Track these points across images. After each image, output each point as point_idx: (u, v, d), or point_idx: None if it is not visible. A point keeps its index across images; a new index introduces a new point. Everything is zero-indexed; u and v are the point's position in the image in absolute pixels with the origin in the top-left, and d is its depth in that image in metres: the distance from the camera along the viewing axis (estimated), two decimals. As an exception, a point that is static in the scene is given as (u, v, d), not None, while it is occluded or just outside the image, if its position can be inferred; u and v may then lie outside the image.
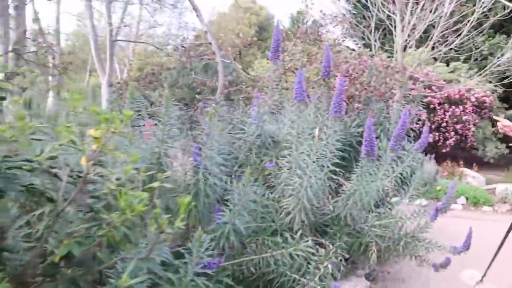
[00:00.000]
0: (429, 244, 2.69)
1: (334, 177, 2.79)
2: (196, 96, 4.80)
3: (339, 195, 2.79)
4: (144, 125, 3.17)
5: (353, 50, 11.60)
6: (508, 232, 3.28)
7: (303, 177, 2.57)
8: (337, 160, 2.78)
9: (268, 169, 2.95)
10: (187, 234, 2.50)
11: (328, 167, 2.71)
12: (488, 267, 3.44)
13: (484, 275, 3.47)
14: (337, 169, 2.81)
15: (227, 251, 2.51)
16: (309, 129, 3.15)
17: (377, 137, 3.95)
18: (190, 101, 5.47)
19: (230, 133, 3.51)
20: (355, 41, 10.63)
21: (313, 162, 2.48)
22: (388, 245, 2.90)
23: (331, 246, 2.71)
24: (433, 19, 7.82)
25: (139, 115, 2.96)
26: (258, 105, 3.18)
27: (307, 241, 2.60)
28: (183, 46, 4.94)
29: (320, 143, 2.52)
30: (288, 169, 2.72)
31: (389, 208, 3.20)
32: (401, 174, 3.42)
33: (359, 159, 4.04)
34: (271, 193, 2.95)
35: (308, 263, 2.50)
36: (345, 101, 4.24)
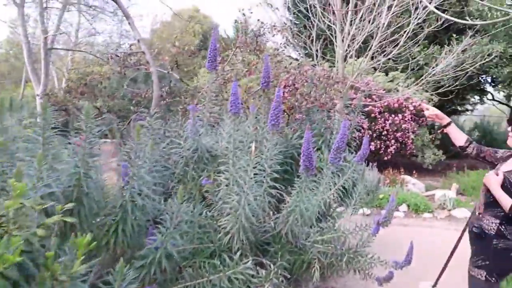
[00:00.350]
0: (371, 259, 2.64)
1: (275, 192, 2.68)
2: (131, 108, 4.56)
3: (280, 211, 2.68)
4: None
5: (296, 60, 11.74)
6: (458, 240, 3.31)
7: (240, 194, 2.43)
8: (277, 175, 2.69)
9: (205, 186, 2.79)
10: (114, 263, 2.29)
11: (267, 182, 2.60)
12: (439, 277, 3.46)
13: (435, 284, 3.49)
14: (278, 184, 2.71)
15: (159, 277, 2.32)
16: (247, 143, 3.03)
17: (318, 149, 3.92)
18: (127, 114, 5.20)
19: (164, 148, 3.32)
20: (297, 51, 10.74)
21: (251, 178, 2.36)
22: (331, 261, 2.82)
23: (272, 266, 2.59)
24: (371, 30, 8.03)
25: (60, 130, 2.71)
26: (193, 117, 3.02)
27: (247, 262, 2.47)
28: (117, 55, 4.69)
29: (257, 158, 2.40)
30: (225, 186, 2.58)
31: (331, 222, 3.14)
32: (343, 186, 3.39)
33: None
34: (209, 211, 2.80)
35: (248, 286, 2.36)
36: (286, 111, 4.18)
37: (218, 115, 3.63)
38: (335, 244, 2.97)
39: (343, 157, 3.77)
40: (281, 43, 4.42)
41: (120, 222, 2.21)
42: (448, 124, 2.96)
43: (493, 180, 2.49)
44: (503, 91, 14.90)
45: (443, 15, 2.75)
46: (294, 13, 13.28)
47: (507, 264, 2.50)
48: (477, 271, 2.57)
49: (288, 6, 11.50)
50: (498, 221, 2.48)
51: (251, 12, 4.41)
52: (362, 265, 2.74)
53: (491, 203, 2.54)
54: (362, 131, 10.72)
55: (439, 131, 11.77)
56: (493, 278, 2.49)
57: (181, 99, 4.84)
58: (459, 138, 2.93)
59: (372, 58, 8.87)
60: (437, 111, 2.98)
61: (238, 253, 2.48)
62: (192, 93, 4.65)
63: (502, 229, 2.46)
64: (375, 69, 12.35)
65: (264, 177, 2.60)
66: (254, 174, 2.47)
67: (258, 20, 4.24)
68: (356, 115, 4.32)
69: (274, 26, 4.23)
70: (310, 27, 9.88)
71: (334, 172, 2.74)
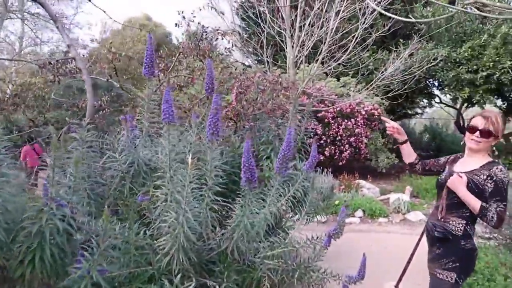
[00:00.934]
0: (324, 274, 2.49)
1: (218, 207, 2.48)
2: (67, 119, 4.24)
3: (224, 227, 2.49)
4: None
5: (249, 66, 11.65)
6: (417, 244, 3.27)
7: (178, 211, 2.22)
8: (221, 188, 2.50)
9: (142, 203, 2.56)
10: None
11: (209, 196, 2.41)
12: (401, 277, 3.37)
13: (397, 285, 3.39)
14: (223, 198, 2.53)
15: (88, 310, 2.06)
16: (186, 154, 2.82)
17: (268, 157, 3.76)
18: (64, 125, 4.85)
19: (99, 163, 3.06)
20: (248, 57, 10.64)
21: (188, 193, 2.15)
22: (282, 277, 2.65)
23: (218, 287, 2.39)
24: (320, 35, 8.05)
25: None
26: (127, 128, 2.79)
27: (189, 285, 2.26)
28: (50, 63, 4.36)
29: (198, 170, 2.21)
30: (163, 202, 2.36)
31: (283, 236, 2.98)
32: (294, 195, 3.26)
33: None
34: (148, 230, 2.56)
35: (190, 312, 2.15)
36: (233, 119, 4.01)
37: (159, 125, 3.41)
38: (286, 259, 2.81)
39: (292, 165, 3.65)
40: (226, 48, 4.26)
41: (37, 250, 1.95)
42: (405, 141, 2.98)
43: (458, 182, 2.46)
44: (449, 94, 15.45)
45: (391, 15, 2.68)
46: (243, 19, 13.22)
47: (473, 264, 2.53)
48: (446, 274, 2.51)
49: (237, 11, 11.40)
50: (464, 221, 2.48)
51: (194, 16, 4.22)
52: (315, 281, 2.59)
53: (455, 205, 2.52)
54: (317, 136, 10.77)
55: (394, 146, 12.03)
56: (461, 280, 2.47)
57: (123, 108, 4.57)
58: (411, 155, 2.98)
59: (322, 63, 8.91)
60: (398, 126, 2.97)
61: (179, 276, 2.26)
62: (133, 102, 4.38)
63: (468, 229, 2.47)
64: (326, 74, 12.45)
65: (205, 191, 2.41)
66: (194, 188, 2.28)
67: (199, 23, 4.06)
68: (308, 121, 4.21)
69: (217, 30, 4.06)
70: (259, 33, 9.82)
71: (281, 182, 2.58)
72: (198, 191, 2.37)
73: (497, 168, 2.39)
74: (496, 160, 2.53)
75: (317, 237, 2.79)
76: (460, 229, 2.49)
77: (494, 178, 2.38)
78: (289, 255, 2.86)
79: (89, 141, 3.04)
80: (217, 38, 4.07)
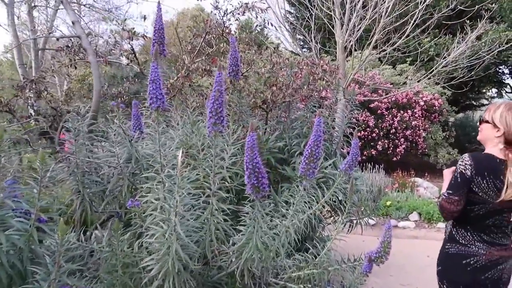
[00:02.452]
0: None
1: (226, 217, 1.98)
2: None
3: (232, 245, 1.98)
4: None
5: (297, 54, 11.03)
6: None
7: (169, 224, 1.74)
8: (227, 194, 2.00)
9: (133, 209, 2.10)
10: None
11: (213, 205, 1.90)
12: None
13: None
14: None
15: None
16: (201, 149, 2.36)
17: (301, 153, 3.20)
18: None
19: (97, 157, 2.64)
20: (295, 45, 10.02)
21: (179, 201, 1.66)
22: (309, 308, 2.12)
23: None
24: (373, 16, 7.30)
25: None
26: (119, 116, 2.35)
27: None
28: (67, 46, 4.03)
29: (189, 172, 1.71)
30: (153, 211, 1.88)
31: (315, 251, 2.42)
32: (331, 199, 2.71)
33: (281, 183, 3.29)
34: (139, 244, 2.10)
35: None
36: (262, 107, 3.48)
37: (170, 113, 2.95)
38: (316, 282, 2.27)
39: (330, 163, 3.07)
40: (257, 25, 3.70)
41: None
42: None
43: (446, 171, 2.42)
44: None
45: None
46: (292, 4, 12.60)
47: (459, 273, 2.23)
48: (436, 279, 2.38)
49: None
50: (451, 223, 2.33)
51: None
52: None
53: None
54: (369, 129, 10.02)
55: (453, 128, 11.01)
56: (445, 284, 2.29)
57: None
58: None
59: (375, 48, 8.14)
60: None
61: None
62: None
63: (454, 232, 2.28)
64: (381, 61, 11.61)
65: (208, 196, 1.91)
66: (195, 194, 1.80)
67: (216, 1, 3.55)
68: (358, 112, 3.60)
69: (246, 4, 3.53)
70: (308, 18, 9.20)
71: (310, 186, 2.03)
72: (201, 198, 1.88)
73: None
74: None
75: (355, 259, 2.22)
76: (447, 231, 2.36)
77: None
78: (320, 277, 2.32)
79: (83, 133, 2.63)
80: (244, 12, 3.54)
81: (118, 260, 2.01)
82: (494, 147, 2.20)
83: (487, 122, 2.25)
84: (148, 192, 1.95)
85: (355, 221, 3.50)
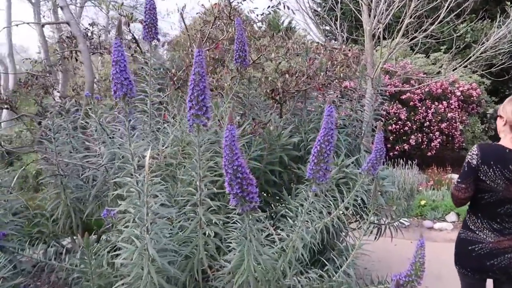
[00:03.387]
0: None
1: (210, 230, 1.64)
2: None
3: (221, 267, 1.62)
4: None
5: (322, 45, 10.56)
6: None
7: (141, 239, 1.40)
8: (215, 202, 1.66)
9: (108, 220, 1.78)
10: None
11: (200, 216, 1.56)
12: None
13: None
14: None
15: None
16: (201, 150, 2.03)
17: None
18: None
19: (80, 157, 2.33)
20: (320, 33, 9.57)
21: (147, 214, 1.32)
22: None
23: None
24: (403, 0, 6.78)
25: None
26: (95, 108, 2.04)
27: None
28: (68, 37, 3.76)
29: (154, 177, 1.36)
30: (126, 223, 1.55)
31: (334, 266, 2.04)
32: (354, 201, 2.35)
33: (296, 185, 2.91)
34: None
35: None
36: (274, 98, 3.11)
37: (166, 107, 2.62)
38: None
39: (352, 162, 2.68)
40: (270, 6, 3.31)
41: None
42: None
43: None
44: None
45: None
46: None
47: (467, 258, 2.33)
48: None
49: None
50: (467, 210, 2.42)
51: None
52: None
53: None
54: (400, 122, 9.46)
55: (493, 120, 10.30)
56: (457, 267, 2.39)
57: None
58: None
59: (406, 34, 7.60)
60: None
61: None
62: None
63: (467, 218, 2.38)
64: (412, 50, 11.00)
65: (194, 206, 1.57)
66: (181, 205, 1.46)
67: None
68: (392, 104, 3.18)
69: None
70: (333, 4, 8.74)
71: (318, 194, 1.66)
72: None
73: None
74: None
75: (380, 281, 1.84)
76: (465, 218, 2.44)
77: None
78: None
79: (67, 130, 2.33)
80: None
81: (91, 282, 1.69)
82: (505, 138, 2.29)
83: (498, 115, 2.37)
84: (125, 199, 1.62)
85: (384, 225, 3.11)
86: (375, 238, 3.07)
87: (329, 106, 1.51)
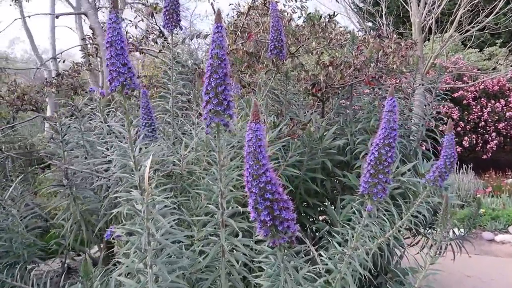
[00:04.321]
0: None
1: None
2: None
3: None
4: None
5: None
6: None
7: (143, 273, 1.09)
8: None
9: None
10: None
11: (222, 242, 1.23)
12: None
13: None
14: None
15: None
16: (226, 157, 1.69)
17: (367, 154, 2.44)
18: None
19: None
20: (363, 27, 9.10)
21: (148, 243, 1.01)
22: None
23: None
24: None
25: None
26: (146, 109, 1.79)
27: None
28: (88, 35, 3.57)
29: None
30: (128, 250, 1.24)
31: None
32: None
33: (342, 195, 2.54)
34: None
35: None
36: (315, 95, 2.74)
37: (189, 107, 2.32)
38: None
39: (408, 169, 2.28)
40: (330, 16, 2.95)
41: None
42: None
43: None
44: None
45: None
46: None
47: None
48: None
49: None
50: None
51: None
52: None
53: None
54: (451, 122, 8.77)
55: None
56: None
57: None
58: None
59: (459, 26, 7.03)
60: None
61: None
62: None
63: None
64: (464, 45, 10.33)
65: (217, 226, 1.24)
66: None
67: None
68: (442, 102, 2.80)
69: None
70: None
71: (375, 213, 1.31)
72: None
73: None
74: None
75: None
76: None
77: None
78: None
79: (79, 132, 2.07)
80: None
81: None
82: None
83: None
84: (129, 219, 1.32)
85: (444, 245, 2.69)
86: (441, 253, 2.65)
87: (391, 99, 1.15)
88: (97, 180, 1.93)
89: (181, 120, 2.26)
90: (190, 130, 2.21)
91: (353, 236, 1.29)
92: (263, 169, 0.77)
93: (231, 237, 1.25)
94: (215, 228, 1.29)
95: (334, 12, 2.49)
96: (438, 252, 2.25)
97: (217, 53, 1.05)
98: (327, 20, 2.57)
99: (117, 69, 1.07)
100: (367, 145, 2.37)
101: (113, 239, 1.41)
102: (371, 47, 2.42)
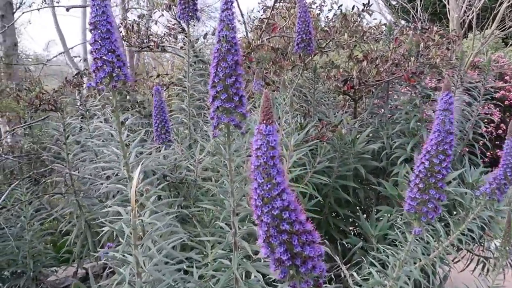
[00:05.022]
0: None
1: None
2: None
3: None
4: None
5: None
6: None
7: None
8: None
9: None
10: None
11: (234, 268, 1.02)
12: None
13: None
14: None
15: None
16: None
17: (406, 160, 2.18)
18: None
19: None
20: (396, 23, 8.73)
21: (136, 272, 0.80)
22: None
23: None
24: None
25: None
26: (159, 108, 1.63)
27: None
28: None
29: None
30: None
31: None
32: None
33: (377, 205, 2.29)
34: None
35: None
36: (347, 93, 2.50)
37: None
38: None
39: (453, 178, 2.01)
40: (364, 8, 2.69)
41: None
42: None
43: None
44: None
45: None
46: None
47: None
48: None
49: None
50: None
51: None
52: None
53: None
54: (492, 126, 8.36)
55: None
56: None
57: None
58: None
59: (501, 22, 6.61)
60: None
61: None
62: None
63: None
64: (505, 43, 9.82)
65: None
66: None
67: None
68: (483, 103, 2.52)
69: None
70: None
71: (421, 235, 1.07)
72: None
73: None
74: None
75: None
76: None
77: None
78: None
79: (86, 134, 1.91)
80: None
81: None
82: None
83: None
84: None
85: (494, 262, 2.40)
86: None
87: (447, 94, 0.91)
88: (101, 187, 1.75)
89: (197, 120, 2.06)
90: (207, 131, 2.01)
91: (395, 264, 1.05)
92: (277, 189, 0.55)
93: (246, 262, 1.04)
94: (227, 249, 1.08)
95: (369, 1, 2.24)
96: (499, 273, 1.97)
97: (225, 35, 0.84)
98: (360, 10, 2.32)
99: (103, 57, 0.87)
100: (406, 150, 2.12)
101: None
102: (411, 39, 2.16)
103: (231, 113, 0.88)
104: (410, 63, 2.05)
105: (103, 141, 1.46)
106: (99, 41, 0.86)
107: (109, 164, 1.11)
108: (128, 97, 2.88)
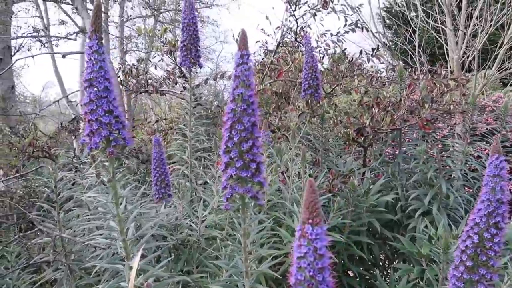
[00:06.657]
0: None
1: None
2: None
3: None
4: None
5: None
6: None
7: None
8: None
9: None
10: None
11: None
12: None
13: None
14: None
15: None
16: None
17: (424, 213, 2.05)
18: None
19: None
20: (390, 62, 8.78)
21: None
22: None
23: None
24: (499, 20, 5.89)
25: None
26: (159, 160, 1.52)
27: None
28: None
29: None
30: None
31: None
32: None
33: (394, 260, 2.13)
34: None
35: None
36: (357, 141, 2.38)
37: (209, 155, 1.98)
38: None
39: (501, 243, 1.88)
40: (345, 25, 2.63)
41: None
42: None
43: None
44: None
45: None
46: (388, 27, 11.39)
47: None
48: None
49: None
50: None
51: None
52: None
53: None
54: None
55: None
56: None
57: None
58: None
59: (501, 62, 6.61)
60: None
61: None
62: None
63: None
64: (504, 84, 9.88)
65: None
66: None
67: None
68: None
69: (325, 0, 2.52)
70: (410, 34, 7.96)
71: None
72: None
73: None
74: None
75: None
76: None
77: None
78: None
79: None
80: (325, 6, 2.51)
81: None
82: None
83: None
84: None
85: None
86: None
87: (497, 158, 0.79)
88: (94, 250, 1.60)
89: (199, 173, 1.94)
90: (210, 184, 1.88)
91: None
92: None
93: None
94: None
95: (378, 45, 2.17)
96: None
97: (241, 93, 0.72)
98: (370, 54, 2.25)
99: (99, 118, 0.75)
100: (423, 202, 1.98)
101: None
102: (424, 85, 2.07)
103: (247, 182, 0.76)
104: (424, 110, 1.95)
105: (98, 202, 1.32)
106: (95, 101, 0.75)
107: (105, 240, 0.98)
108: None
